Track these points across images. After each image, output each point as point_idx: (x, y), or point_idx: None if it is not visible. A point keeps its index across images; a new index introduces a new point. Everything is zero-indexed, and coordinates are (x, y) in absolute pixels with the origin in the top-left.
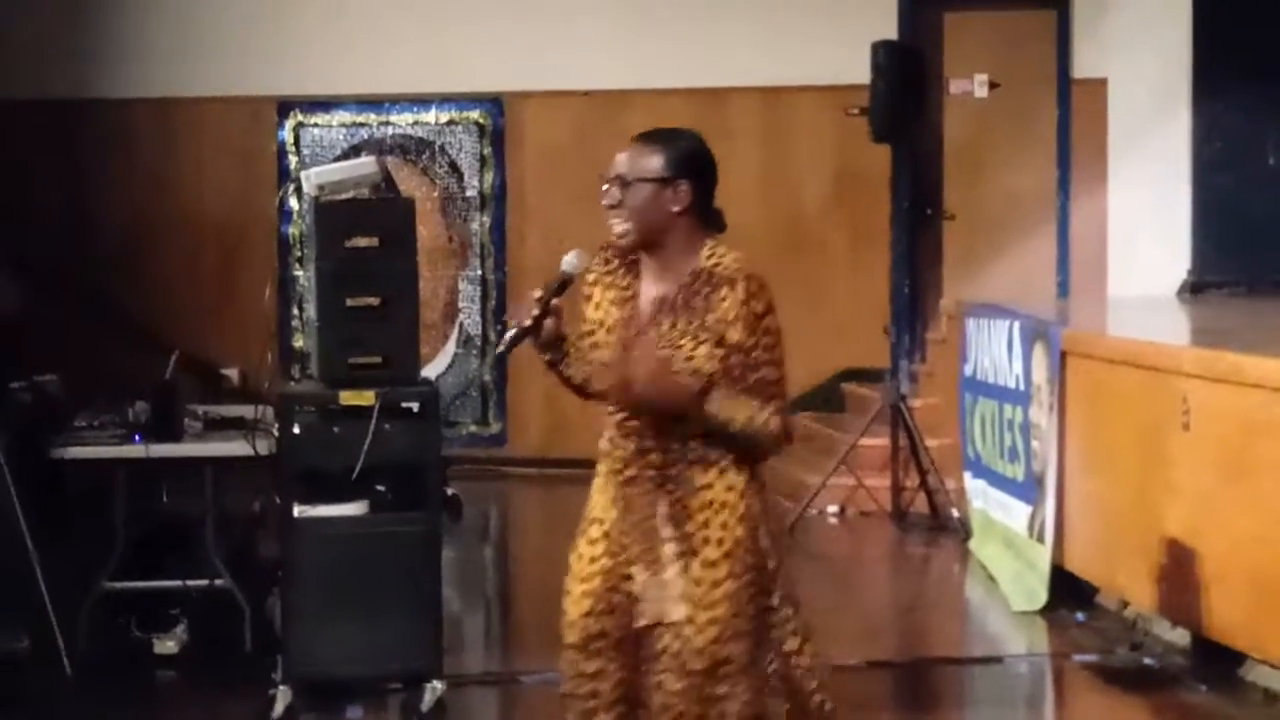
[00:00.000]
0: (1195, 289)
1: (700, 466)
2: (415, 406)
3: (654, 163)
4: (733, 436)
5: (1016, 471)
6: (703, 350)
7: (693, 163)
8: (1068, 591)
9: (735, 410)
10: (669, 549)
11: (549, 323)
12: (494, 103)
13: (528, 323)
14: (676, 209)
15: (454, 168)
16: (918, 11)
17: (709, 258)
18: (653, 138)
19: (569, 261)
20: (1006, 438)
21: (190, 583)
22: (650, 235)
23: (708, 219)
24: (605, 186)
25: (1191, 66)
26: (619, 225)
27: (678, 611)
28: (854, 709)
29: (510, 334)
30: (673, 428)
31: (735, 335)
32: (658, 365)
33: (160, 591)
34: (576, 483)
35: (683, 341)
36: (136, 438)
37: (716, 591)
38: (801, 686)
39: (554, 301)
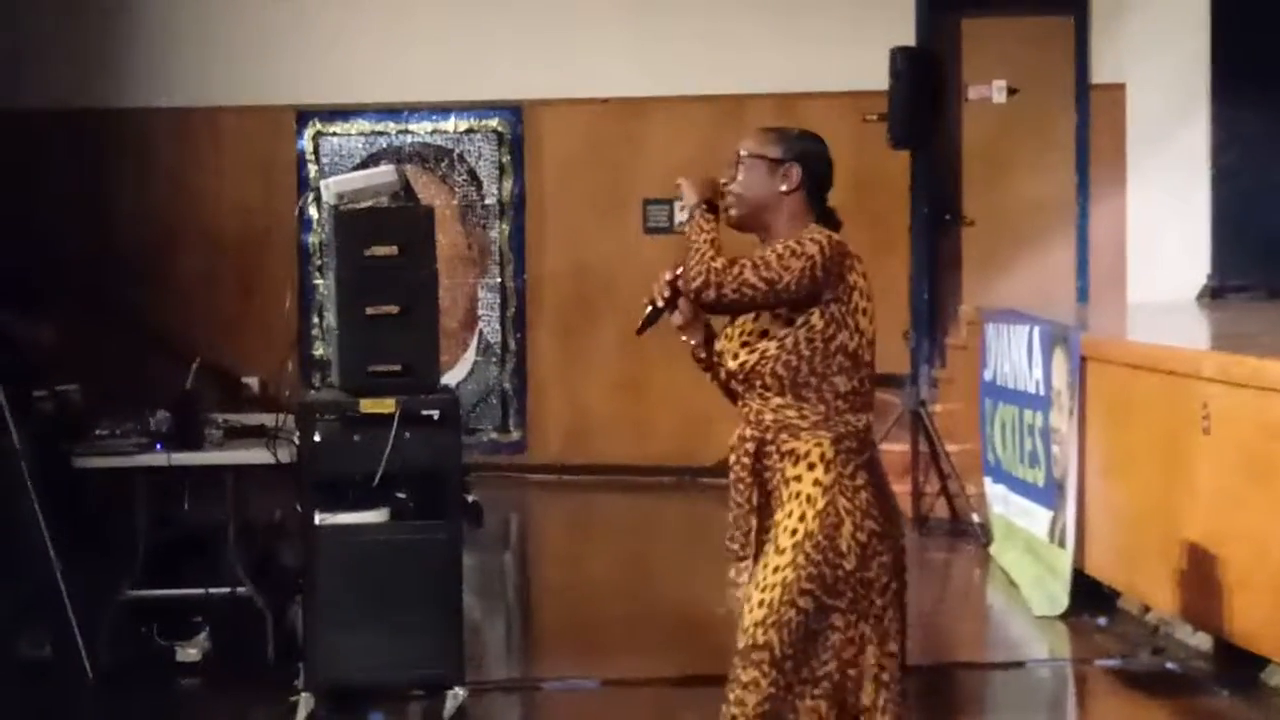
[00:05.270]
0: (1215, 294)
1: (791, 459)
2: (436, 414)
3: (769, 145)
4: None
5: (1037, 476)
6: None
7: (806, 153)
8: (1089, 596)
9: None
10: (753, 538)
11: (684, 304)
12: (513, 111)
13: (660, 302)
14: (784, 189)
15: (473, 176)
16: (936, 17)
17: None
18: (775, 128)
19: None
20: (1027, 443)
21: (212, 591)
22: (754, 210)
23: (818, 212)
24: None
25: (1210, 71)
26: (728, 199)
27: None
28: None
29: (646, 313)
30: (767, 419)
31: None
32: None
33: (182, 599)
34: (596, 489)
35: (745, 324)
36: (158, 446)
37: (774, 576)
38: (847, 698)
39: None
